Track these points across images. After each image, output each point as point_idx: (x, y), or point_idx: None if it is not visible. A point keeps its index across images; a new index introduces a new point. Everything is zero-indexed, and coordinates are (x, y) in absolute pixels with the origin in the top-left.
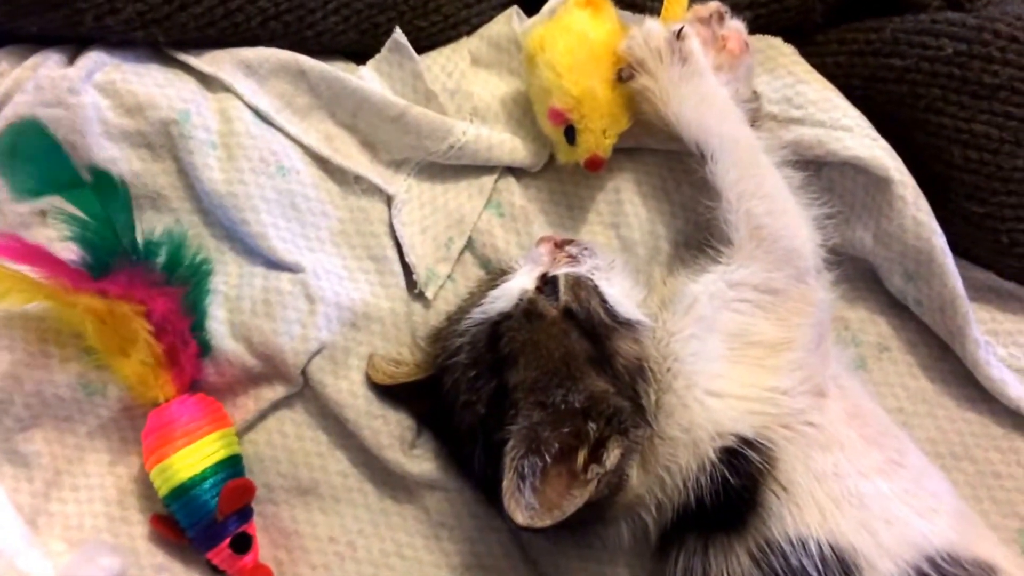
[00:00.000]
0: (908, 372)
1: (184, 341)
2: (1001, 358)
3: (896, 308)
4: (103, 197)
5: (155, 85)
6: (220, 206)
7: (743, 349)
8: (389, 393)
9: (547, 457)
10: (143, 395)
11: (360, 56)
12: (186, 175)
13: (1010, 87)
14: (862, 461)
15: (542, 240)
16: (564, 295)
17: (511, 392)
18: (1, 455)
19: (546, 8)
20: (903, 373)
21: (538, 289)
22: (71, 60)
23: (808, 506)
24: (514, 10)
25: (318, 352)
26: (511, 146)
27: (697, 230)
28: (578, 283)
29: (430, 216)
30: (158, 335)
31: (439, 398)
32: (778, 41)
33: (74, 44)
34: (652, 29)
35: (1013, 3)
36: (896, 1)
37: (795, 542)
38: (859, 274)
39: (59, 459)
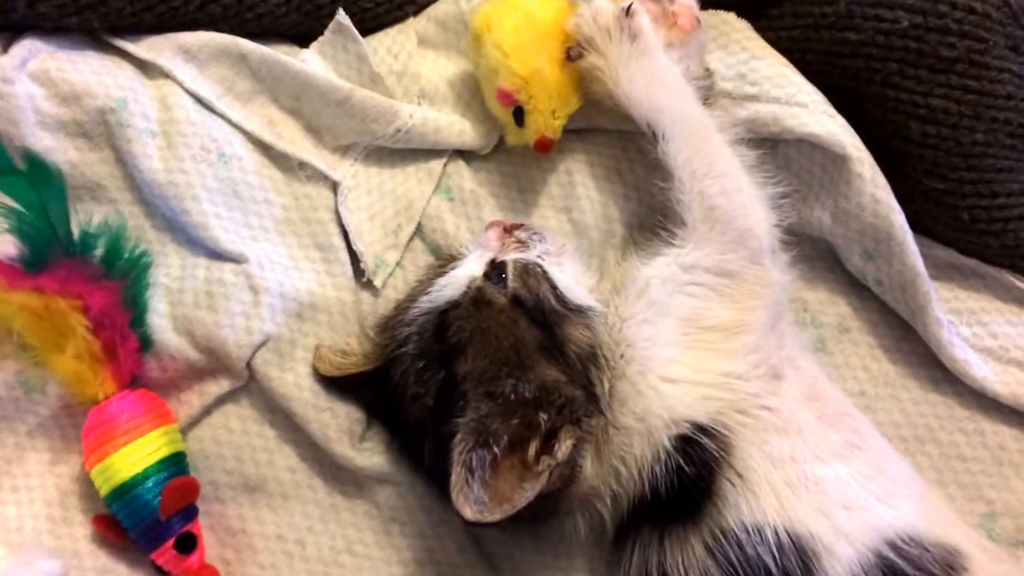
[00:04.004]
0: (869, 354)
1: (123, 336)
2: (964, 337)
3: (856, 288)
4: (38, 185)
5: (91, 73)
6: (160, 196)
7: (697, 333)
8: (337, 385)
9: (496, 449)
10: (82, 392)
11: (303, 39)
12: (125, 165)
13: (967, 59)
14: (820, 445)
15: (491, 225)
16: (512, 282)
17: (460, 383)
18: None
19: None
20: (864, 355)
21: (486, 276)
22: (4, 48)
23: (764, 493)
24: None
25: (263, 344)
26: (460, 128)
27: (651, 212)
28: (526, 269)
29: (378, 202)
30: (96, 330)
31: (388, 390)
32: (731, 16)
33: (7, 32)
34: (600, 6)
35: None
36: None
37: (751, 530)
38: (818, 254)
39: None
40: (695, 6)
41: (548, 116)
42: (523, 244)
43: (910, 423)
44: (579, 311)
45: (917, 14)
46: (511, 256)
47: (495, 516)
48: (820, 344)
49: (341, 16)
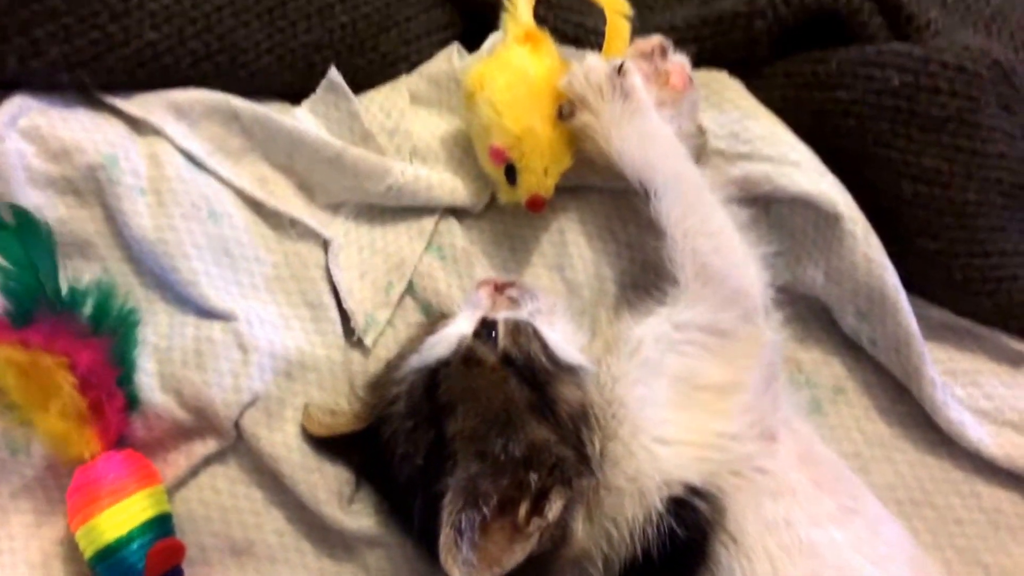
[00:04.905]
0: (865, 415)
1: (110, 395)
2: (959, 398)
3: (851, 348)
4: (26, 240)
5: (82, 129)
6: (150, 253)
7: (690, 393)
8: (326, 445)
9: (486, 510)
10: (67, 452)
11: (295, 97)
12: (114, 222)
13: (959, 119)
14: (814, 508)
15: (482, 283)
16: (503, 340)
17: (449, 442)
18: None
19: (486, 45)
20: (859, 416)
21: (476, 334)
22: None
23: (758, 557)
24: (454, 47)
25: (251, 403)
26: (451, 186)
27: (644, 271)
28: (517, 328)
29: (369, 260)
30: (82, 388)
31: (377, 450)
32: (723, 75)
33: None
34: (593, 65)
35: (960, 33)
36: (842, 32)
37: None
38: (812, 314)
39: None
40: (687, 65)
41: (540, 174)
42: (514, 302)
43: (905, 486)
44: (570, 370)
45: (908, 73)
46: (502, 314)
47: None
48: (815, 405)
49: (333, 74)
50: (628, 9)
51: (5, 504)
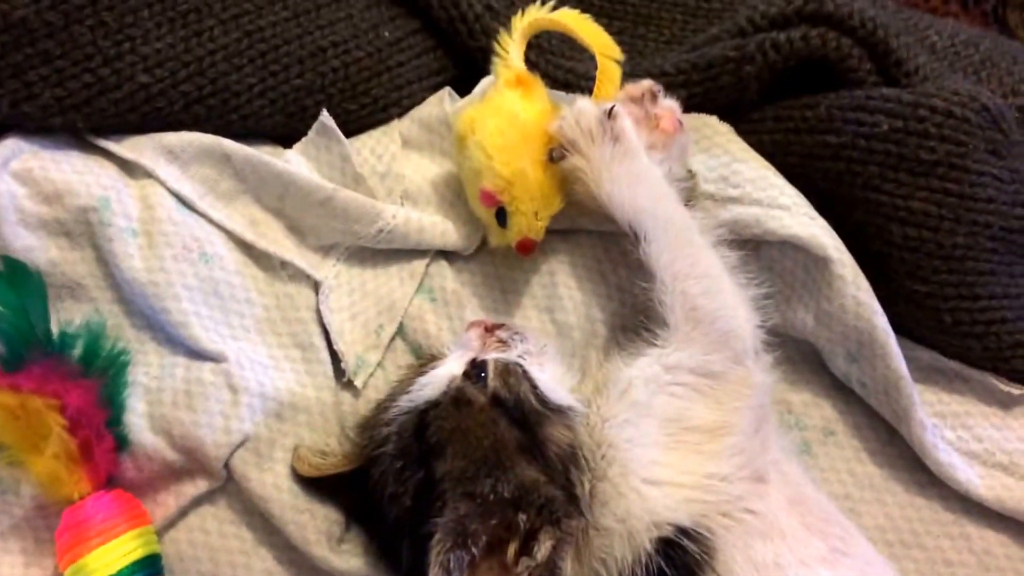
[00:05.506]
0: (855, 457)
1: (99, 435)
2: (949, 441)
3: (841, 391)
4: (17, 286)
5: (74, 172)
6: (140, 295)
7: (680, 434)
8: (316, 486)
9: (475, 550)
10: (56, 492)
11: (287, 140)
12: (106, 263)
13: (947, 163)
14: (804, 550)
15: (472, 324)
16: (492, 381)
17: (438, 483)
18: None
19: (477, 89)
20: (849, 458)
21: (466, 375)
22: None
23: None
24: (446, 91)
25: (241, 444)
26: (442, 229)
27: (634, 313)
28: (507, 369)
29: (359, 302)
30: (72, 429)
31: (367, 490)
32: (713, 119)
33: None
34: (583, 108)
35: (948, 78)
36: (832, 77)
37: None
38: (802, 356)
39: None
40: (677, 109)
41: (531, 217)
42: (504, 344)
43: (895, 527)
44: (560, 411)
45: (897, 118)
46: (492, 356)
47: None
48: (805, 447)
49: (325, 117)
50: (619, 54)
51: None
